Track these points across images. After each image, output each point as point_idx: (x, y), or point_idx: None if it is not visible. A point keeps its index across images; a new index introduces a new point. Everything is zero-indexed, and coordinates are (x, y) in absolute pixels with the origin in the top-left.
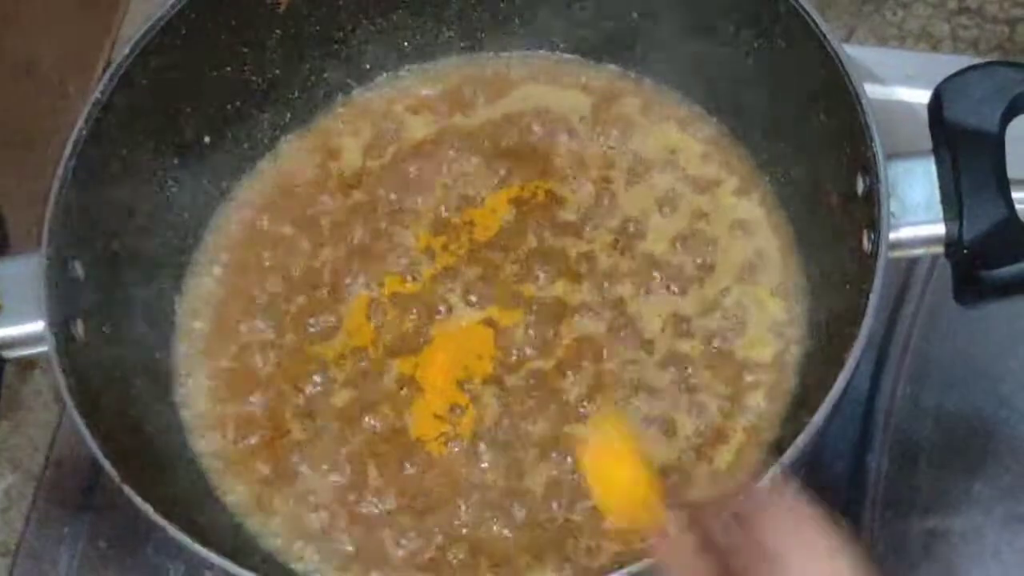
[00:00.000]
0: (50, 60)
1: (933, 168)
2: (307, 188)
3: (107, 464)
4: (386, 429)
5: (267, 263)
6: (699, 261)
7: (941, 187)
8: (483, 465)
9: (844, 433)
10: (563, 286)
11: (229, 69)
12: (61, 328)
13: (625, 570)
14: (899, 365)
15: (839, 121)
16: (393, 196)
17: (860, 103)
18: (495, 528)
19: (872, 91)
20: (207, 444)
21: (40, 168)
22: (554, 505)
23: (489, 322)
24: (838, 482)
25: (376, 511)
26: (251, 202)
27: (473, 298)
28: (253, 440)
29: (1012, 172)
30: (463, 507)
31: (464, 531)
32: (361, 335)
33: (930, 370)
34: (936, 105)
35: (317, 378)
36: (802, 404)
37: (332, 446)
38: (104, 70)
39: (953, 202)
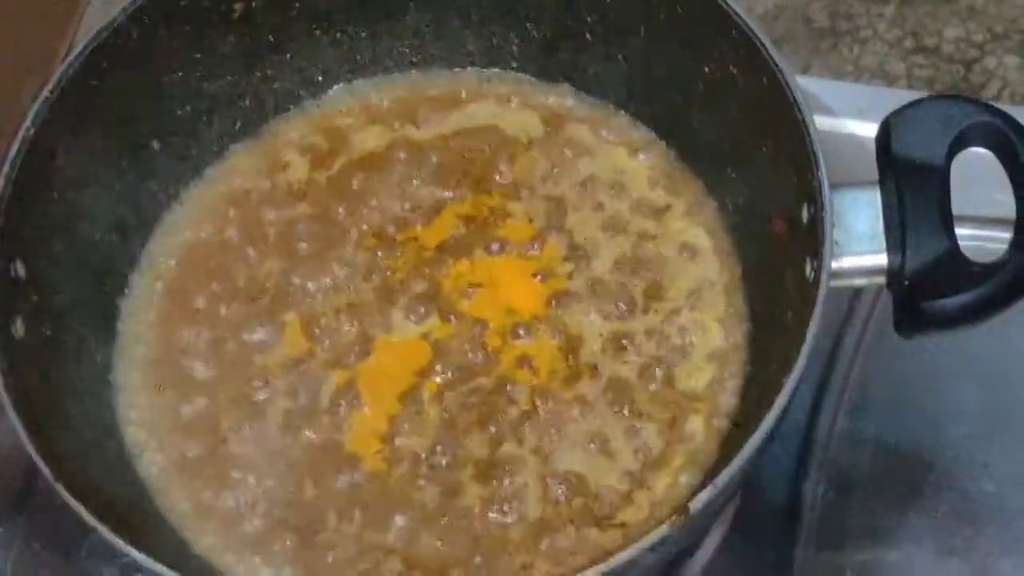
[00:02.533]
0: (5, 67)
1: (878, 198)
2: (254, 197)
3: (41, 463)
4: (323, 441)
5: (211, 270)
6: (644, 285)
7: (885, 218)
8: (419, 482)
9: (781, 461)
10: (508, 303)
11: (180, 75)
12: (0, 328)
13: None
14: (839, 395)
15: (787, 149)
16: (340, 208)
17: (808, 132)
18: (429, 543)
19: (823, 123)
20: (144, 448)
21: None
22: (490, 522)
23: (430, 337)
24: (774, 510)
25: (311, 523)
26: (197, 209)
27: (415, 313)
28: (190, 446)
29: (957, 208)
30: (398, 521)
31: (399, 545)
32: (301, 346)
33: (869, 401)
34: (884, 136)
35: (256, 387)
36: (741, 429)
37: (269, 457)
38: None
39: (896, 233)
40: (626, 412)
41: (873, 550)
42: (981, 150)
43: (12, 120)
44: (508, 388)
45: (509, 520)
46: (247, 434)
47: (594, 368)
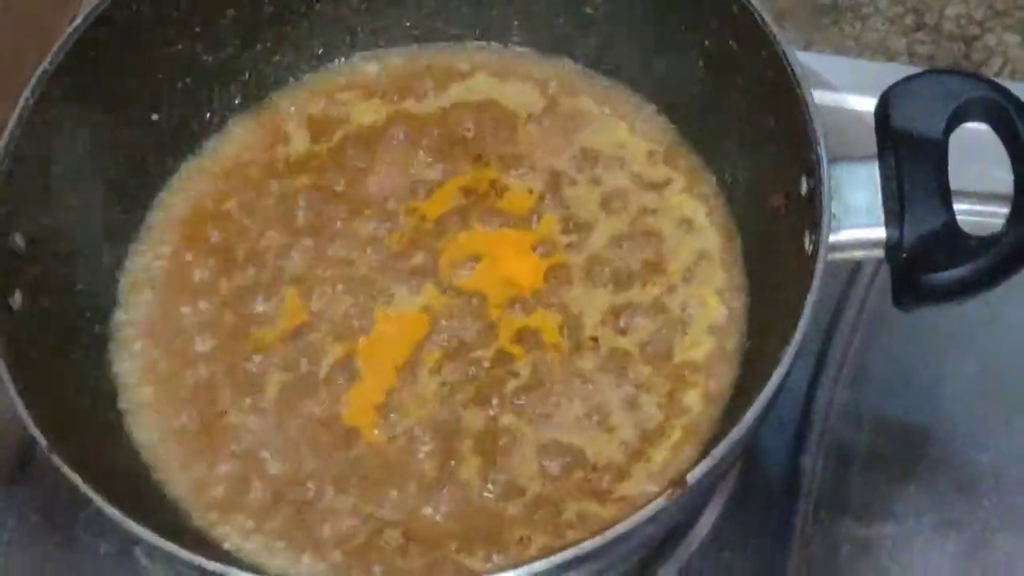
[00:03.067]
0: (8, 39)
1: (877, 172)
2: (254, 170)
3: (38, 434)
4: (323, 414)
5: (211, 243)
6: (644, 259)
7: (884, 191)
8: (419, 455)
9: (780, 435)
10: (507, 276)
11: (180, 47)
12: None
13: (552, 559)
14: (837, 369)
15: (786, 123)
16: (340, 181)
17: (807, 106)
18: (428, 515)
19: (823, 97)
20: (143, 421)
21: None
22: (488, 495)
23: (429, 310)
24: (773, 483)
25: (309, 495)
26: (198, 182)
27: (415, 285)
28: (189, 418)
29: (955, 183)
30: (396, 493)
31: (397, 517)
32: (301, 319)
33: (868, 375)
34: (883, 110)
35: (256, 360)
36: (739, 403)
37: (268, 429)
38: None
39: (895, 206)
40: (625, 385)
41: (871, 523)
42: (979, 125)
43: (16, 89)
44: (507, 361)
45: (507, 493)
46: (246, 406)
47: (593, 341)
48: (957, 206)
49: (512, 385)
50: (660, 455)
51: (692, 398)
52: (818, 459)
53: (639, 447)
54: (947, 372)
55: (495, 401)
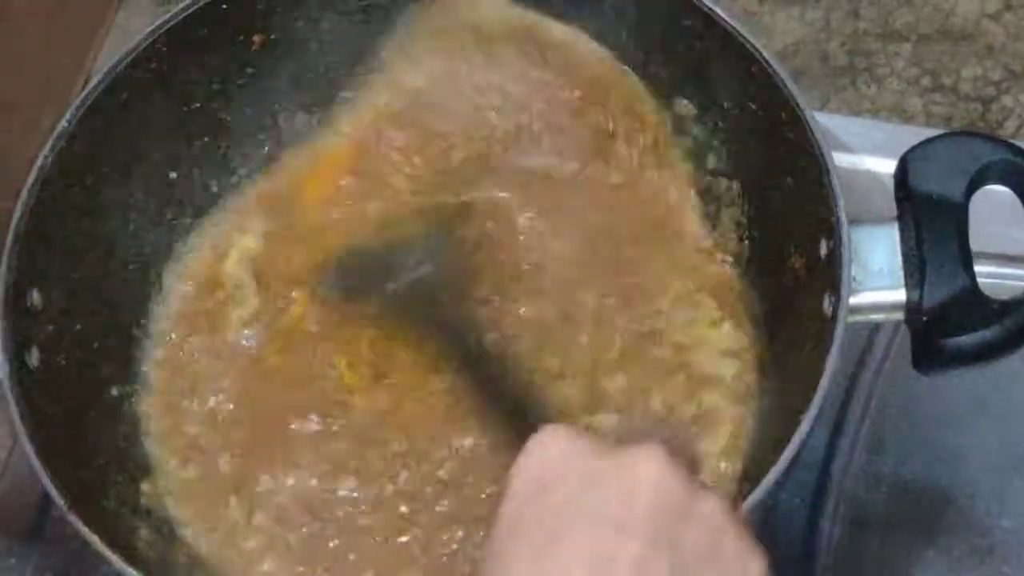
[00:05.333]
0: (26, 94)
1: (896, 234)
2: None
3: (55, 493)
4: None
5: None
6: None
7: (904, 254)
8: None
9: (798, 497)
10: None
11: (198, 105)
12: (15, 356)
13: None
14: (855, 431)
15: (805, 184)
16: None
17: (826, 167)
18: None
19: (841, 159)
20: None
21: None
22: None
23: None
24: (790, 545)
25: None
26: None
27: None
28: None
29: (975, 245)
30: None
31: None
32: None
33: (887, 438)
34: (902, 172)
35: (290, 420)
36: (758, 465)
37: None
38: None
39: (915, 269)
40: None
41: None
42: (1000, 187)
43: (33, 147)
44: None
45: None
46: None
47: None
48: (978, 268)
49: None
50: None
51: (712, 462)
52: (835, 523)
53: None
54: (967, 436)
55: None
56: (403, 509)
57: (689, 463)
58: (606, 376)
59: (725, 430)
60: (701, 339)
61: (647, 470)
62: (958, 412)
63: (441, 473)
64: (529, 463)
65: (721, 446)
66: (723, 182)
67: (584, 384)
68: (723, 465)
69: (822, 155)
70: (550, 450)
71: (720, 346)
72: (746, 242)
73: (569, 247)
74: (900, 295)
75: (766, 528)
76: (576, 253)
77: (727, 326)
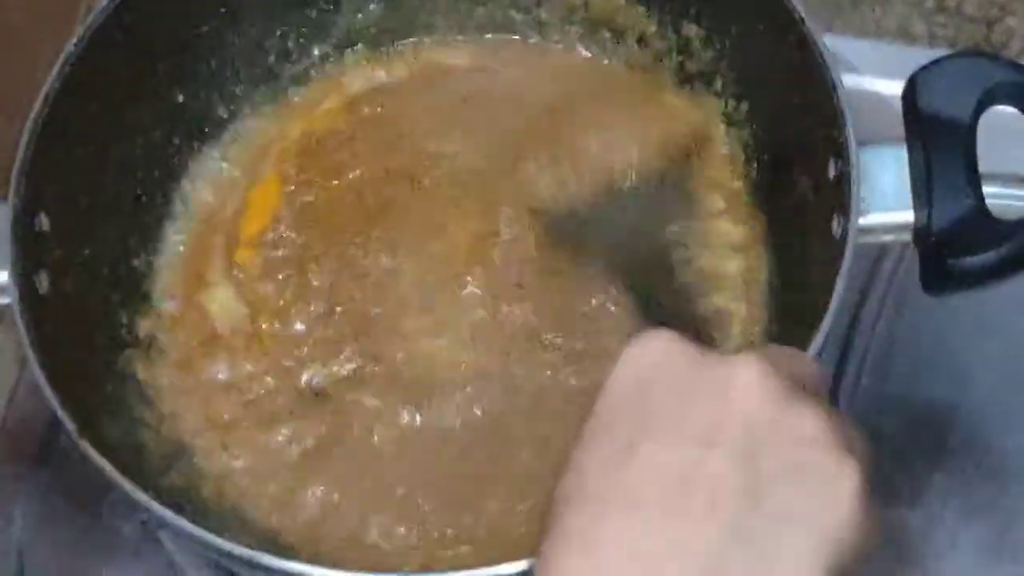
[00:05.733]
0: (26, 25)
1: (905, 156)
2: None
3: (66, 418)
4: None
5: None
6: None
7: (912, 175)
8: None
9: None
10: None
11: (206, 28)
12: (24, 281)
13: None
14: (863, 353)
15: (813, 106)
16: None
17: (835, 88)
18: None
19: (847, 80)
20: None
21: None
22: None
23: None
24: None
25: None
26: (223, 163)
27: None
28: (221, 406)
29: (983, 165)
30: None
31: None
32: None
33: (894, 360)
34: (910, 93)
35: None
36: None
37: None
38: None
39: (923, 190)
40: None
41: (897, 509)
42: (1009, 108)
43: (35, 73)
44: None
45: None
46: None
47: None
48: (985, 188)
49: None
50: None
51: None
52: None
53: None
54: (974, 356)
55: None
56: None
57: (792, 375)
58: None
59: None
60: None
61: (741, 382)
62: (966, 333)
63: None
64: (625, 369)
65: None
66: (731, 103)
67: None
68: None
69: (830, 76)
70: (647, 356)
71: (726, 240)
72: (755, 163)
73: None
74: (908, 216)
75: None
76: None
77: (730, 223)
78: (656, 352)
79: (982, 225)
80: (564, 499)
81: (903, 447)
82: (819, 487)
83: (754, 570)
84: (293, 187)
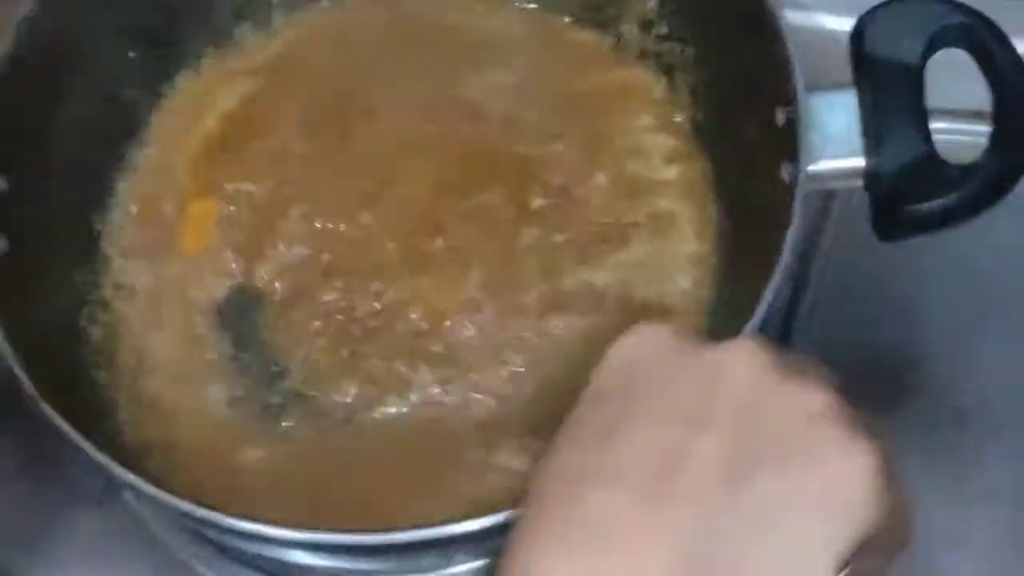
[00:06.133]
0: None
1: (854, 101)
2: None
3: (27, 381)
4: None
5: None
6: None
7: (862, 120)
8: None
9: None
10: None
11: None
12: None
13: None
14: (815, 298)
15: (759, 52)
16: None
17: (780, 35)
18: None
19: (795, 17)
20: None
21: None
22: None
23: None
24: None
25: None
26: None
27: None
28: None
29: (933, 100)
30: None
31: None
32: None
33: (848, 302)
34: (857, 38)
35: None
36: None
37: None
38: None
39: (873, 136)
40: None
41: None
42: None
43: None
44: None
45: None
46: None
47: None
48: (935, 124)
49: None
50: None
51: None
52: None
53: None
54: (930, 295)
55: None
56: None
57: (791, 359)
58: None
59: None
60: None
61: (735, 364)
62: (919, 272)
63: None
64: (615, 359)
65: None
66: (676, 47)
67: None
68: None
69: (777, 24)
70: (636, 346)
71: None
72: (702, 107)
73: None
74: (859, 162)
75: None
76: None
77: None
78: (645, 342)
79: (933, 170)
80: (542, 481)
81: (858, 391)
82: (826, 466)
83: (748, 555)
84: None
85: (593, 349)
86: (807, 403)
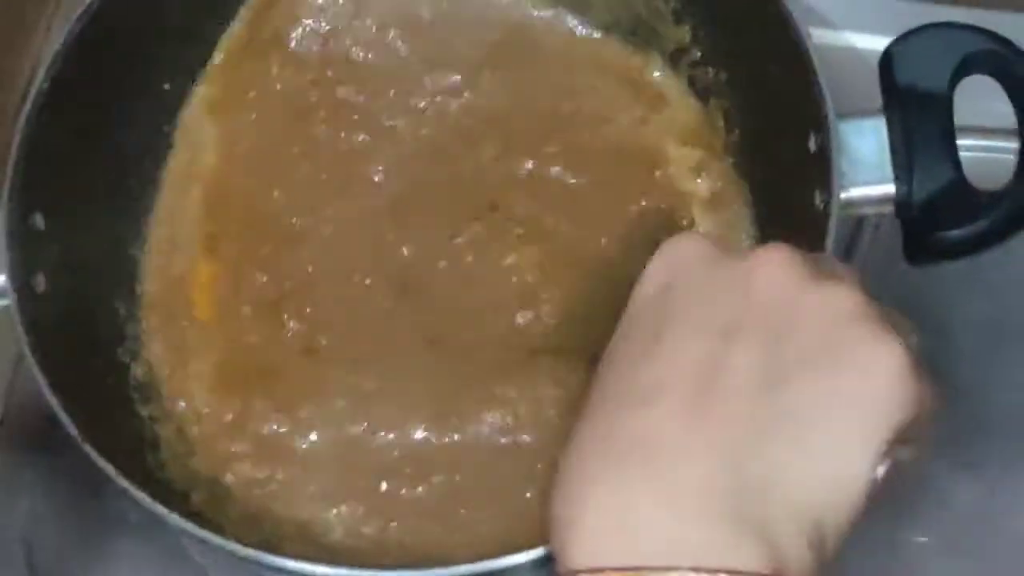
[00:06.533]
0: None
1: (884, 127)
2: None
3: (67, 421)
4: None
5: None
6: None
7: (892, 147)
8: None
9: None
10: None
11: (185, 20)
12: (22, 282)
13: None
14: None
15: (791, 77)
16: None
17: (810, 62)
18: None
19: (824, 36)
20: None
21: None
22: None
23: None
24: None
25: None
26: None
27: None
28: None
29: (961, 118)
30: None
31: None
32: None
33: None
34: (887, 65)
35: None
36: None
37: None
38: None
39: (903, 162)
40: None
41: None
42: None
43: (26, 41)
44: None
45: None
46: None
47: None
48: (963, 141)
49: None
50: None
51: None
52: None
53: None
54: (958, 310)
55: None
56: None
57: (823, 259)
58: None
59: None
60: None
61: (765, 270)
62: (948, 288)
63: None
64: (656, 269)
65: None
66: (709, 71)
67: None
68: None
69: (804, 48)
70: (678, 256)
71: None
72: (736, 132)
73: None
74: (889, 188)
75: None
76: None
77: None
78: (678, 256)
79: (962, 196)
80: (588, 403)
81: None
82: (858, 364)
83: (790, 459)
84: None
85: None
86: (837, 304)
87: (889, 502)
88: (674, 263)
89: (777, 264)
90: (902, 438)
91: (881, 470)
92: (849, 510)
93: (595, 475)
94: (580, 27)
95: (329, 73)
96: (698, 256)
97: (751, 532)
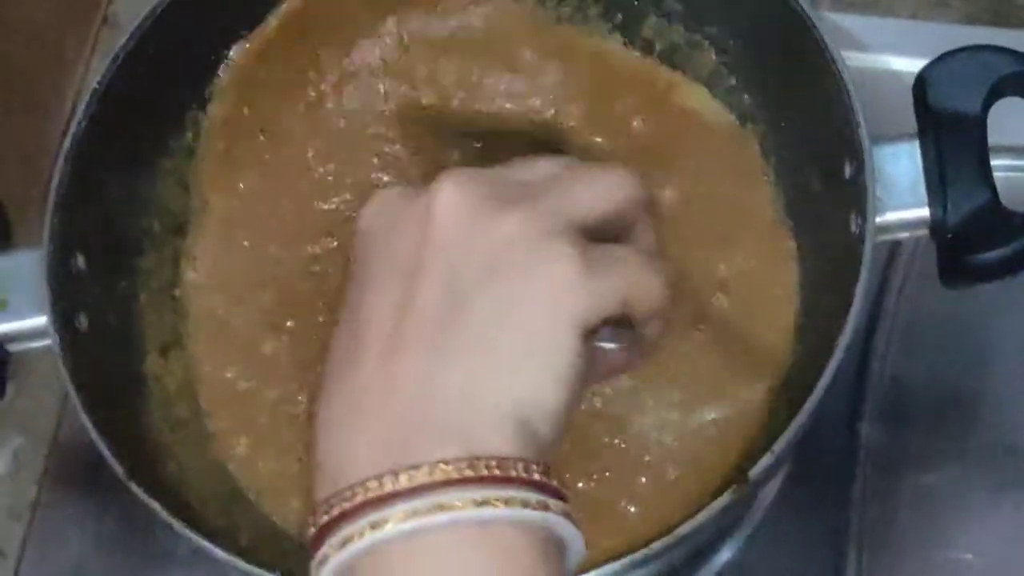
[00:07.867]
0: (46, 20)
1: (918, 151)
2: None
3: (114, 462)
4: None
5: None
6: None
7: (925, 170)
8: None
9: (835, 406)
10: None
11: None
12: (65, 324)
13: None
14: (887, 337)
15: (826, 103)
16: None
17: (846, 88)
18: None
19: (857, 59)
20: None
21: (40, 138)
22: None
23: None
24: (829, 450)
25: None
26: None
27: None
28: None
29: (995, 138)
30: None
31: None
32: None
33: (918, 341)
34: (920, 89)
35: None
36: (791, 392)
37: None
38: (100, 28)
39: (938, 186)
40: None
41: (927, 478)
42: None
43: (56, 74)
44: None
45: None
46: None
47: None
48: (996, 161)
49: None
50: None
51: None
52: (873, 424)
53: None
54: (995, 333)
55: None
56: None
57: (493, 179)
58: None
59: None
60: None
61: (439, 202)
62: (985, 311)
63: None
64: (357, 234)
65: None
66: (745, 98)
67: None
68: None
69: (844, 81)
70: (371, 209)
71: None
72: (773, 159)
73: None
74: (924, 212)
75: (806, 439)
76: None
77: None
78: (377, 203)
79: (996, 219)
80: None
81: (931, 424)
82: (529, 276)
83: (479, 371)
84: None
85: None
86: (500, 228)
87: (931, 521)
88: (372, 210)
89: (449, 197)
90: (621, 322)
91: (602, 349)
92: (556, 399)
93: (331, 426)
94: None
95: None
96: (391, 199)
97: (453, 441)
